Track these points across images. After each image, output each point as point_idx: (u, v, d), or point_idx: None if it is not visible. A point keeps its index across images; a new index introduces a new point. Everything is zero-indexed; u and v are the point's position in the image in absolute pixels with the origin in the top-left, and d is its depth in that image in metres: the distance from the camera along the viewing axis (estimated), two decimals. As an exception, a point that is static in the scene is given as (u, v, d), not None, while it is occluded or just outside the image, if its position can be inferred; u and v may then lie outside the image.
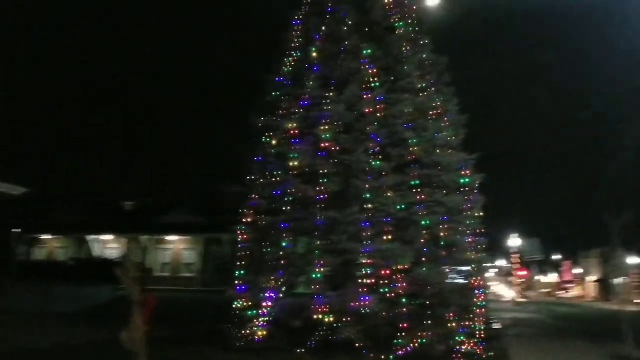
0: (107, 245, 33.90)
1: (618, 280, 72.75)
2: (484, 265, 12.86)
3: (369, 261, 10.19)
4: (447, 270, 11.14)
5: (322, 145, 11.17)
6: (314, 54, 12.22)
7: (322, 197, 10.80)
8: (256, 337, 10.48)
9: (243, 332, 10.61)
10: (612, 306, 38.92)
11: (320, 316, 10.01)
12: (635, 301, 52.11)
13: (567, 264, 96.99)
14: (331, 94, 11.58)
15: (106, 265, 20.48)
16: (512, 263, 60.11)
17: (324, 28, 12.50)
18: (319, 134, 11.24)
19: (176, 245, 33.33)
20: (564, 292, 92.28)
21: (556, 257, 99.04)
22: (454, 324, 10.25)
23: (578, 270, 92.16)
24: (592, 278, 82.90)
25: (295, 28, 13.02)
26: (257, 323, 10.62)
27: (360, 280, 10.12)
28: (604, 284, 74.31)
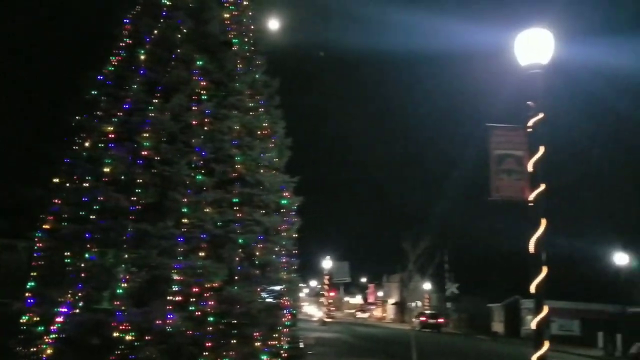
0: None
1: (413, 304, 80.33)
2: (296, 285, 13.30)
3: (179, 278, 9.85)
4: (259, 289, 11.24)
5: (142, 153, 10.60)
6: (142, 57, 11.63)
7: (135, 207, 10.22)
8: (44, 355, 9.48)
9: (30, 349, 9.61)
10: (406, 327, 42.40)
11: (120, 334, 9.38)
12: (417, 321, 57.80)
13: (371, 286, 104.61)
14: (156, 101, 11.09)
15: None
16: (322, 284, 63.02)
17: (156, 32, 11.98)
18: (139, 140, 10.66)
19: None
20: (363, 313, 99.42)
21: (363, 279, 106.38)
22: (259, 343, 10.33)
23: (380, 293, 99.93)
24: (392, 300, 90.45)
25: (125, 27, 12.32)
26: (46, 340, 9.61)
27: (167, 297, 9.73)
28: (402, 307, 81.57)
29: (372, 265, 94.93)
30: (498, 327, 59.39)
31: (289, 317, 11.71)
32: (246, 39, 13.26)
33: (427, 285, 72.63)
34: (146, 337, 9.43)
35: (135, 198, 10.29)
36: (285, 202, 12.34)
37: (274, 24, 17.24)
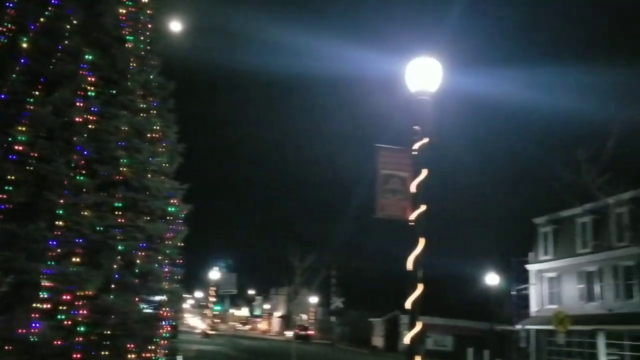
0: None
1: (299, 317, 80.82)
2: (179, 295, 12.84)
3: (49, 284, 9.15)
4: (137, 299, 10.72)
5: (15, 147, 9.79)
6: (25, 45, 10.79)
7: (4, 206, 9.39)
8: None
9: None
10: (290, 339, 42.48)
11: (-25, 344, 8.53)
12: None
13: (258, 299, 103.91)
14: (37, 93, 10.32)
15: None
16: (208, 295, 61.67)
17: (42, 20, 11.18)
18: (13, 134, 9.84)
19: None
20: (244, 325, 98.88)
21: (251, 292, 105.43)
22: (133, 356, 9.83)
23: (268, 306, 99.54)
24: (278, 313, 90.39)
25: (8, 11, 11.38)
26: None
27: (34, 305, 9.00)
28: (287, 319, 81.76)
29: (261, 278, 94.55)
30: (378, 341, 61.32)
31: (168, 328, 11.26)
32: (142, 37, 12.73)
33: (313, 299, 73.57)
34: (6, 347, 8.65)
35: (4, 196, 9.46)
36: (172, 209, 11.92)
37: (175, 26, 16.76)
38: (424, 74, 8.08)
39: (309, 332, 66.61)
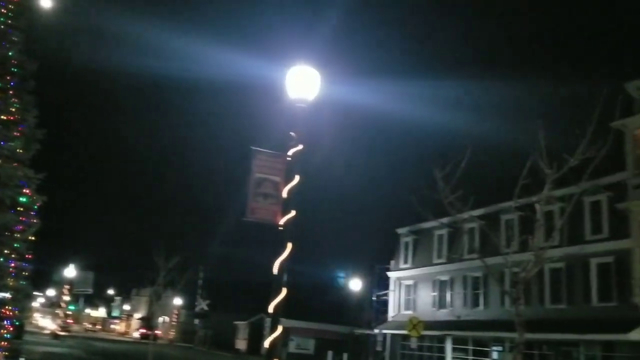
0: None
1: (161, 318, 77.89)
2: (26, 293, 11.82)
3: None
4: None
5: None
6: None
7: None
8: None
9: None
10: (151, 342, 40.83)
11: None
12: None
13: (118, 299, 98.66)
14: None
15: None
16: (61, 294, 57.41)
17: None
18: None
19: None
20: (94, 326, 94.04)
21: (110, 291, 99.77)
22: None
23: (127, 307, 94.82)
24: (138, 315, 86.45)
25: None
26: None
27: None
28: (149, 321, 78.48)
29: (122, 278, 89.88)
30: (242, 344, 60.99)
31: (11, 329, 10.30)
32: (3, 10, 11.64)
33: (177, 301, 71.39)
34: None
35: None
36: (24, 199, 10.98)
37: (46, 2, 15.48)
38: (302, 82, 8.21)
39: (156, 332, 67.41)
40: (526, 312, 28.65)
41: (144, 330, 61.07)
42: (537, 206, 12.47)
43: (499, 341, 29.89)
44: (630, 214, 22.56)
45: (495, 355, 30.38)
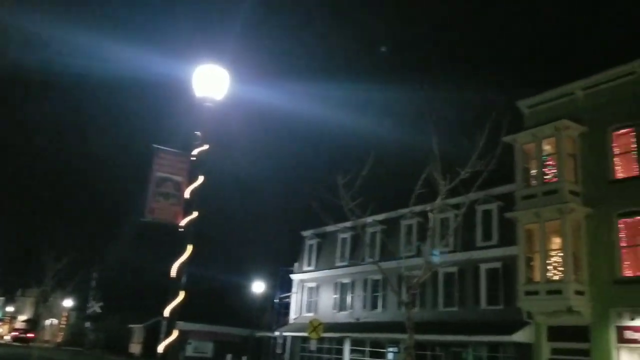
0: None
1: (49, 321, 73.25)
2: None
3: None
4: None
5: None
6: None
7: None
8: None
9: None
10: (35, 345, 38.35)
11: None
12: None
13: (0, 300, 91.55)
14: None
15: None
16: None
17: None
18: None
19: None
20: None
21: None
22: None
23: (11, 308, 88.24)
24: (23, 317, 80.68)
25: None
26: None
27: None
28: (35, 324, 73.45)
29: (5, 278, 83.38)
30: (136, 348, 58.68)
31: None
32: None
33: (67, 302, 67.46)
34: None
35: None
36: None
37: None
38: (210, 81, 8.07)
39: (29, 334, 65.28)
40: (421, 315, 29.97)
41: (16, 333, 58.72)
42: (430, 215, 13.06)
43: (394, 342, 30.94)
44: (517, 222, 24.20)
45: (390, 356, 31.41)
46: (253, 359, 42.98)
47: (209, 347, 51.43)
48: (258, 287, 42.67)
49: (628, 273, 20.99)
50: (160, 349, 6.76)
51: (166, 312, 6.82)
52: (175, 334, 6.76)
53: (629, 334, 20.28)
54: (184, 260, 7.12)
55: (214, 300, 48.25)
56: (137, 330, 60.17)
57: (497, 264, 26.87)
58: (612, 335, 20.67)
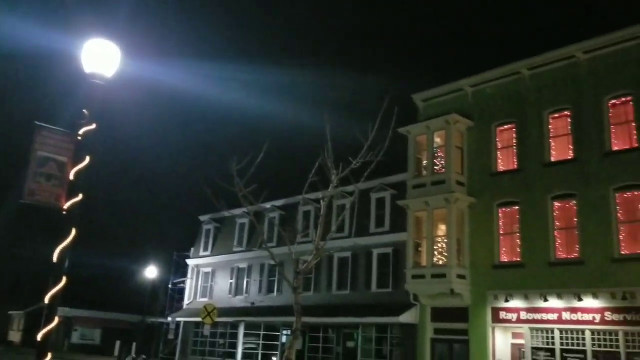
0: None
1: None
2: None
3: None
4: None
5: None
6: None
7: None
8: None
9: None
10: None
11: None
12: None
13: None
14: None
15: None
16: None
17: None
18: None
19: None
20: None
21: None
22: None
23: None
24: None
25: None
26: None
27: None
28: None
29: None
30: (16, 335, 55.03)
31: None
32: None
33: None
34: None
35: None
36: None
37: None
38: (100, 57, 7.70)
39: None
40: (314, 298, 30.66)
41: None
42: (322, 203, 13.38)
43: (288, 326, 31.42)
44: (408, 210, 25.40)
45: (284, 339, 31.93)
46: (143, 345, 41.79)
47: (96, 334, 49.37)
48: (151, 272, 41.43)
49: (504, 259, 22.80)
50: (40, 336, 6.43)
51: (47, 298, 6.49)
52: (55, 320, 6.46)
53: (502, 315, 22.09)
54: (66, 245, 6.80)
55: (103, 286, 46.35)
56: (17, 317, 56.40)
57: (388, 249, 28.08)
58: (488, 316, 22.42)
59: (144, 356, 33.95)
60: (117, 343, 41.94)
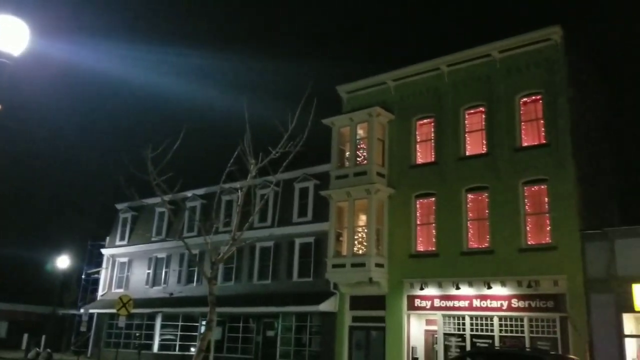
0: None
1: None
2: None
3: None
4: None
5: None
6: None
7: None
8: None
9: None
10: None
11: None
12: None
13: None
14: None
15: None
16: None
17: None
18: None
19: None
20: None
21: None
22: None
23: None
24: None
25: None
26: None
27: None
28: None
29: None
30: None
31: None
32: None
33: None
34: None
35: None
36: None
37: None
38: (6, 34, 7.22)
39: None
40: (236, 288, 30.39)
41: None
42: (239, 193, 13.22)
43: (207, 316, 31.04)
44: (330, 200, 25.69)
45: (203, 329, 31.47)
46: (54, 338, 39.85)
47: (2, 327, 46.56)
48: (62, 262, 39.45)
49: (420, 248, 23.61)
50: None
51: None
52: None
53: (417, 302, 22.90)
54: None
55: (9, 277, 43.66)
56: None
57: (310, 239, 28.30)
58: (404, 303, 23.17)
59: (48, 350, 32.35)
60: (25, 336, 39.76)
